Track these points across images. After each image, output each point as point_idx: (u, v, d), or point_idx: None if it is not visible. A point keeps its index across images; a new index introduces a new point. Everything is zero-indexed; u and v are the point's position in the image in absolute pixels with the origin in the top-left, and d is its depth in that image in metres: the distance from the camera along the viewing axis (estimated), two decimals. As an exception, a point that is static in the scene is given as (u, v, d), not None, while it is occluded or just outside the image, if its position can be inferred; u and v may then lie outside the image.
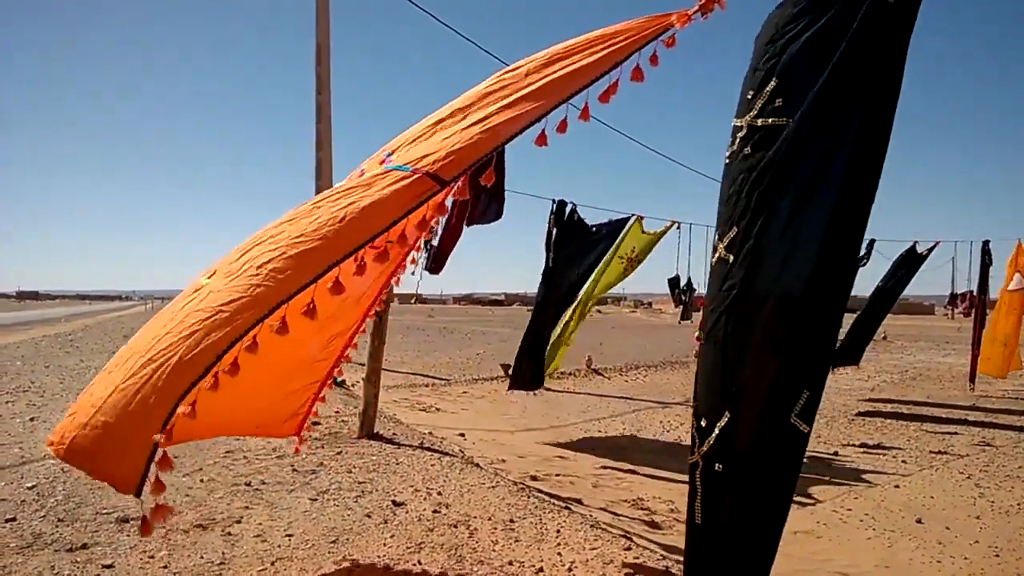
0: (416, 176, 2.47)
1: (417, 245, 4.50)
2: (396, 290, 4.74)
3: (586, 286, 8.76)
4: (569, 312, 8.72)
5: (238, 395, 3.64)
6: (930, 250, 11.31)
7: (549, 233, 7.92)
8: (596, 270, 8.64)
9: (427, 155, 2.58)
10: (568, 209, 7.97)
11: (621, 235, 8.50)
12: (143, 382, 2.15)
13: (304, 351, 4.11)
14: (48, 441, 2.50)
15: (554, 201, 7.96)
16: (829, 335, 2.22)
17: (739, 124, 2.37)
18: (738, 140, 2.37)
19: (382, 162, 2.99)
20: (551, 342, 8.56)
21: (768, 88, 2.27)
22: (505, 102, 2.69)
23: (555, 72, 2.67)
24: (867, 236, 9.67)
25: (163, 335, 2.28)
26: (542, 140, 2.76)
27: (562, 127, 2.77)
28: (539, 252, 8.06)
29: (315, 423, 7.57)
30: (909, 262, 11.33)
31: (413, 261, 4.56)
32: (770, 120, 2.26)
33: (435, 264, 7.31)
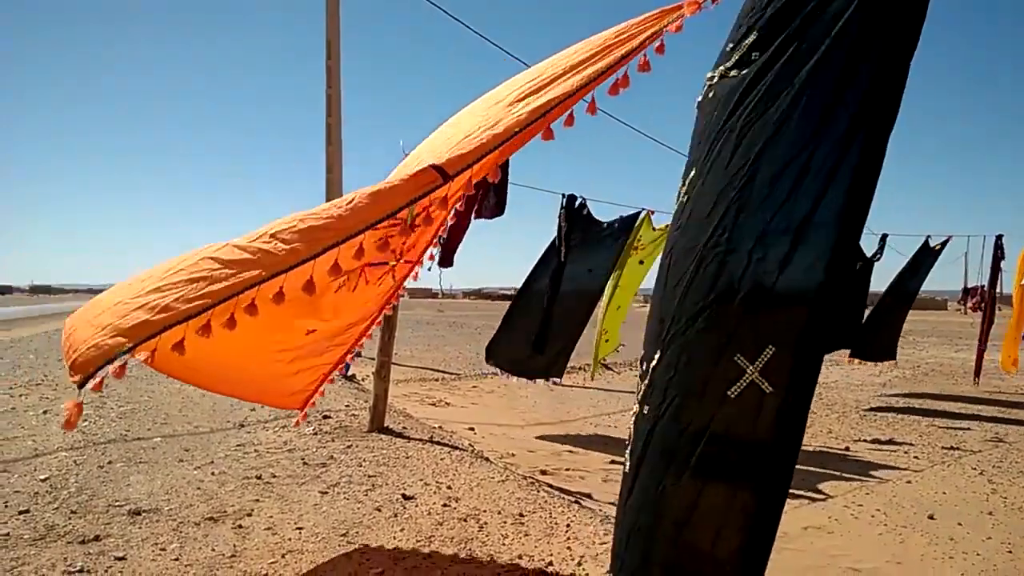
0: (421, 167, 2.52)
1: (435, 241, 4.53)
2: (408, 284, 4.77)
3: (610, 290, 8.82)
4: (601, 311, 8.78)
5: (244, 358, 3.81)
6: (943, 244, 11.24)
7: (559, 228, 7.91)
8: (614, 275, 8.69)
9: (437, 156, 2.67)
10: (578, 203, 7.95)
11: (633, 232, 8.47)
12: (144, 303, 2.28)
13: (317, 333, 4.16)
14: (65, 325, 2.67)
15: (564, 195, 7.94)
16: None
17: (711, 75, 2.27)
18: (707, 87, 2.27)
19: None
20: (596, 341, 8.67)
21: (747, 41, 2.15)
22: (512, 104, 2.76)
23: (567, 78, 2.71)
24: (879, 231, 9.55)
25: (176, 270, 2.42)
26: (548, 134, 2.76)
27: (569, 121, 2.79)
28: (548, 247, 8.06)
29: (326, 417, 7.61)
30: (923, 257, 11.26)
31: (431, 257, 4.59)
32: (744, 71, 2.13)
33: (443, 258, 7.29)
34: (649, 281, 8.65)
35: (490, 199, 6.74)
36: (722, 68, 2.22)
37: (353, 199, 2.49)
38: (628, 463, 2.29)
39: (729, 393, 1.92)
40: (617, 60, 2.60)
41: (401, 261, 4.11)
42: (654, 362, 2.16)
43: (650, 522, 2.13)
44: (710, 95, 2.24)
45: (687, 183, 2.24)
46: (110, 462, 5.61)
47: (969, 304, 13.16)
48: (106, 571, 3.66)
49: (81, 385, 2.12)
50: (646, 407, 2.18)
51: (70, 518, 4.35)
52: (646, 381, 2.21)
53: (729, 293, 1.97)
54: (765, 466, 1.95)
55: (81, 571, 3.63)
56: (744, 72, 2.09)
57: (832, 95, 1.92)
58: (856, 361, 12.44)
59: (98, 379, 2.14)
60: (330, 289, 3.43)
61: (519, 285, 8.51)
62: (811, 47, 1.95)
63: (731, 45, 2.21)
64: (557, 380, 8.73)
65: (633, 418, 2.29)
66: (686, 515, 2.04)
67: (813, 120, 1.92)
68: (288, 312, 2.72)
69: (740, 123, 2.05)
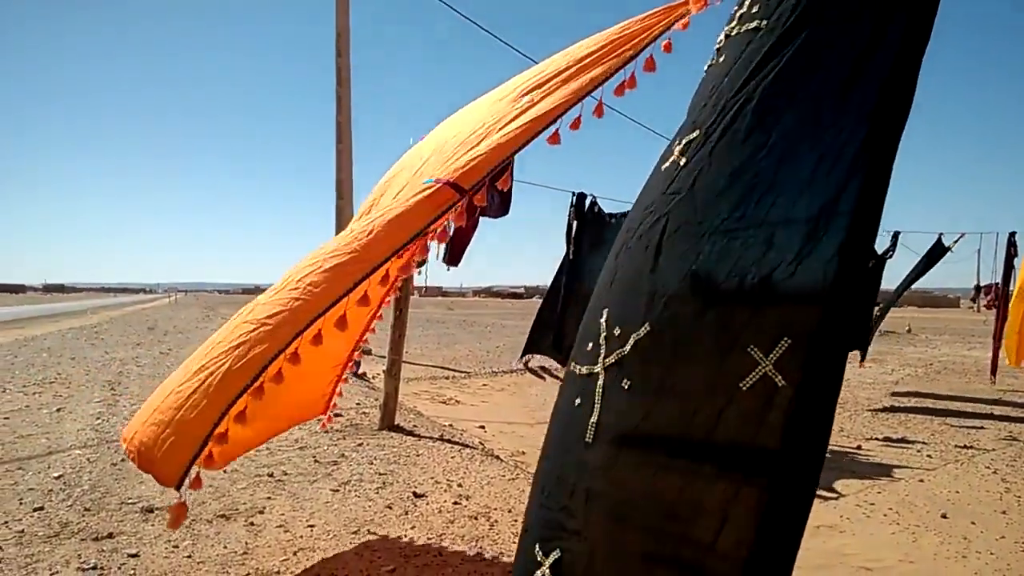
0: (438, 186, 2.52)
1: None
2: (417, 282, 4.79)
3: None
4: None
5: (278, 399, 3.78)
6: (955, 241, 11.15)
7: (569, 226, 7.90)
8: None
9: (447, 164, 2.65)
10: (588, 201, 7.94)
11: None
12: (196, 387, 2.29)
13: (332, 351, 4.21)
14: (122, 437, 2.70)
15: (574, 194, 7.93)
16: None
17: (719, 37, 2.18)
18: (713, 52, 2.18)
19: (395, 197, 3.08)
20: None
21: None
22: (520, 109, 2.73)
23: (574, 79, 2.70)
24: (892, 228, 9.47)
25: (216, 344, 2.44)
26: (555, 139, 2.76)
27: (576, 124, 2.79)
28: (558, 245, 8.05)
29: (337, 415, 7.62)
30: (935, 255, 11.19)
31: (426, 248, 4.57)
32: (742, 28, 2.05)
33: (452, 256, 7.29)
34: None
35: (495, 198, 6.74)
36: (725, 29, 2.16)
37: (372, 229, 2.48)
38: (591, 434, 2.06)
39: (741, 385, 1.84)
40: (624, 61, 2.59)
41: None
42: (640, 333, 2.00)
43: (628, 510, 1.98)
44: (720, 59, 2.13)
45: (685, 143, 2.10)
46: (123, 460, 5.64)
47: (983, 302, 13.08)
48: (119, 568, 3.69)
49: (178, 487, 2.22)
50: (626, 381, 2.01)
51: (84, 515, 4.38)
52: (624, 349, 2.03)
53: (744, 279, 1.87)
54: (777, 463, 1.90)
55: (95, 568, 3.66)
56: (762, 35, 1.98)
57: (859, 65, 1.80)
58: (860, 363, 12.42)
59: (193, 475, 2.26)
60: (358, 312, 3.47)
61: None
62: (841, 9, 1.85)
63: (735, 8, 2.15)
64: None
65: (597, 383, 2.09)
66: (687, 509, 1.96)
67: (840, 94, 1.82)
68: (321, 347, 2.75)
69: (759, 93, 1.94)
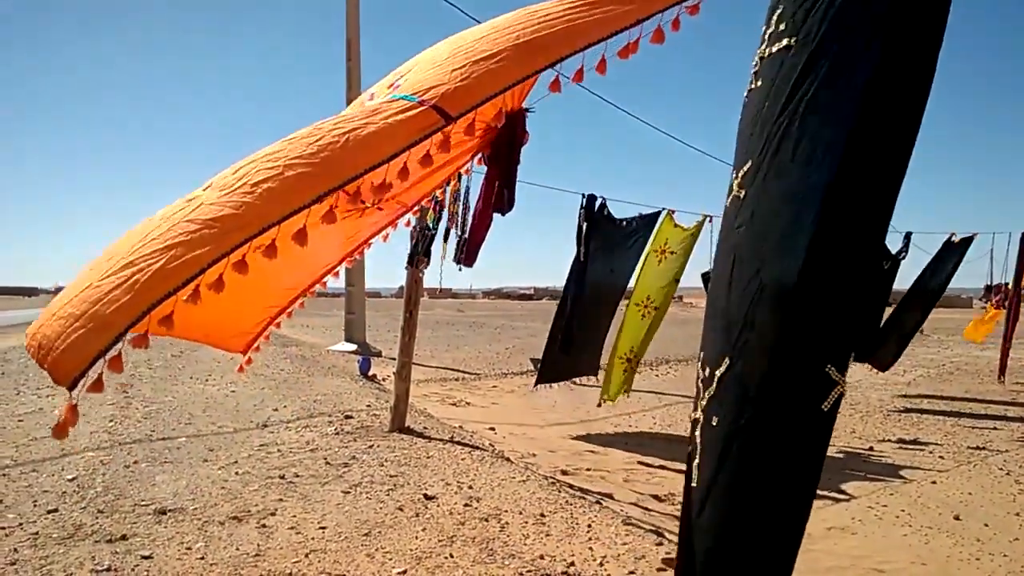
0: (422, 108, 2.35)
1: (428, 200, 4.21)
2: (427, 284, 4.63)
3: (633, 286, 8.70)
4: (623, 314, 8.68)
5: (218, 311, 3.45)
6: (966, 240, 11.05)
7: (579, 228, 7.90)
8: (637, 269, 8.59)
9: (436, 85, 2.46)
10: (598, 203, 7.94)
11: (655, 230, 8.43)
12: (119, 283, 2.01)
13: (281, 276, 3.84)
14: (26, 332, 2.36)
15: (584, 196, 7.93)
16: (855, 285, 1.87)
17: (754, 60, 2.18)
18: (751, 76, 2.18)
19: (391, 86, 2.87)
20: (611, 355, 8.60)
21: (774, 16, 2.07)
22: (522, 40, 2.54)
23: (578, 19, 2.55)
24: (904, 229, 9.42)
25: (148, 241, 2.14)
26: (556, 86, 2.69)
27: (578, 76, 2.68)
28: (567, 247, 8.05)
29: (347, 417, 7.65)
30: (948, 255, 11.09)
31: (417, 212, 4.27)
32: (773, 48, 2.06)
33: (467, 256, 7.27)
34: (662, 278, 8.61)
35: (505, 193, 6.71)
36: (758, 52, 2.12)
37: (345, 141, 2.26)
38: (696, 477, 2.14)
39: (823, 407, 1.84)
40: (633, 21, 2.47)
41: (374, 206, 3.63)
42: (722, 368, 2.03)
43: (731, 543, 2.03)
44: (758, 83, 2.13)
45: (741, 176, 2.12)
46: (136, 462, 5.68)
47: (993, 302, 12.99)
48: (133, 570, 3.71)
49: (71, 388, 1.86)
50: (714, 418, 2.05)
51: (97, 517, 4.41)
52: (711, 388, 2.07)
53: (811, 301, 1.86)
54: (812, 473, 1.94)
55: (108, 570, 3.69)
56: (794, 54, 1.98)
57: (887, 76, 1.79)
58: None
59: (94, 378, 1.91)
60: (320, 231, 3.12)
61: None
62: (870, 19, 1.84)
63: (764, 28, 2.14)
64: (594, 376, 8.82)
65: (697, 428, 2.16)
66: (775, 539, 1.95)
67: (875, 105, 1.81)
68: (272, 263, 2.49)
69: (801, 111, 1.92)
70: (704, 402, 2.11)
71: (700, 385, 2.16)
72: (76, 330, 1.92)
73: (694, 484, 2.14)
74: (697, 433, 2.15)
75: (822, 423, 1.85)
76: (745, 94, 2.24)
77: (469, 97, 2.38)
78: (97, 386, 1.94)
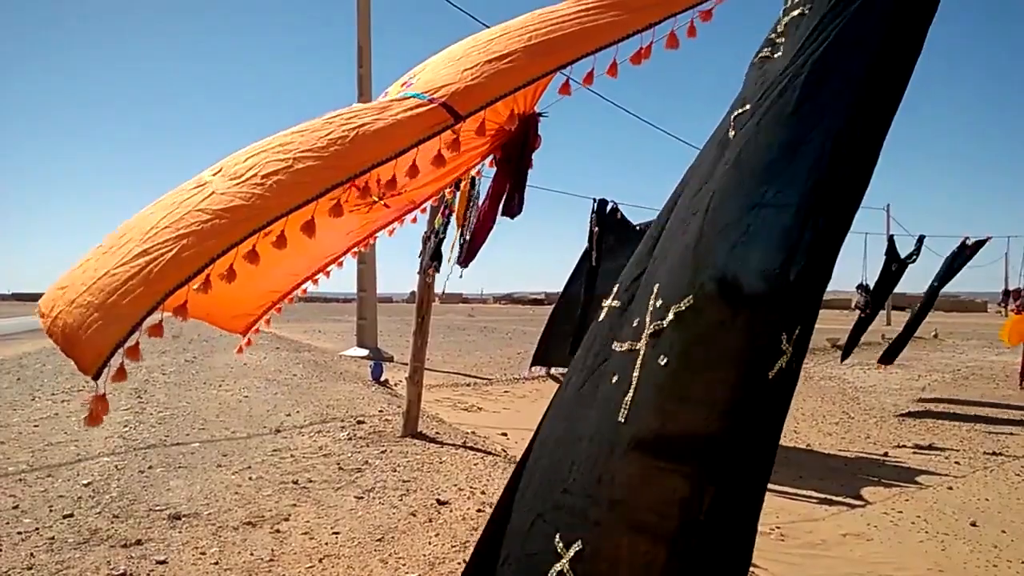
0: (432, 106, 2.37)
1: (435, 199, 4.21)
2: (438, 289, 4.63)
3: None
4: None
5: (226, 297, 3.44)
6: (979, 243, 10.98)
7: (591, 232, 7.90)
8: None
9: (446, 84, 2.48)
10: (609, 208, 7.94)
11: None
12: (135, 272, 2.07)
13: (284, 263, 3.93)
14: (39, 311, 2.40)
15: (595, 200, 7.94)
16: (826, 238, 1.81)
17: (774, 28, 2.18)
18: (767, 43, 2.19)
19: (404, 84, 2.89)
20: None
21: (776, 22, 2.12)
22: (534, 42, 2.54)
23: (590, 22, 2.54)
24: (916, 232, 9.35)
25: (161, 228, 2.21)
26: (566, 89, 2.69)
27: (588, 79, 2.66)
28: (579, 253, 8.06)
29: (360, 422, 7.67)
30: (960, 258, 11.03)
31: (424, 210, 4.26)
32: (789, 16, 2.09)
33: (465, 256, 7.27)
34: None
35: (515, 197, 6.72)
36: (781, 19, 2.14)
37: (354, 135, 2.30)
38: (623, 414, 1.94)
39: (768, 375, 1.74)
40: (648, 24, 2.46)
41: (381, 203, 3.65)
42: (682, 306, 1.90)
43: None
44: (773, 51, 2.13)
45: (735, 118, 2.09)
46: (150, 467, 5.71)
47: (1011, 306, 12.90)
48: (148, 574, 3.73)
49: (96, 377, 1.93)
50: (663, 357, 1.90)
51: (112, 522, 4.43)
52: (662, 323, 1.94)
53: (787, 260, 1.77)
54: (763, 452, 1.84)
55: (124, 574, 3.70)
56: (808, 17, 1.98)
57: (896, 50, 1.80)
58: (881, 367, 12.40)
59: (115, 368, 1.96)
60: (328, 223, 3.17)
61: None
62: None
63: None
64: None
65: (630, 356, 1.99)
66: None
67: (876, 77, 1.80)
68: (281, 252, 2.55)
69: (808, 66, 1.90)
70: (652, 330, 1.96)
71: (648, 316, 2.01)
72: (96, 321, 1.99)
73: (621, 420, 1.95)
74: (637, 364, 1.96)
75: (768, 392, 1.75)
76: (754, 58, 2.23)
77: (479, 96, 2.40)
78: (120, 375, 2.00)
